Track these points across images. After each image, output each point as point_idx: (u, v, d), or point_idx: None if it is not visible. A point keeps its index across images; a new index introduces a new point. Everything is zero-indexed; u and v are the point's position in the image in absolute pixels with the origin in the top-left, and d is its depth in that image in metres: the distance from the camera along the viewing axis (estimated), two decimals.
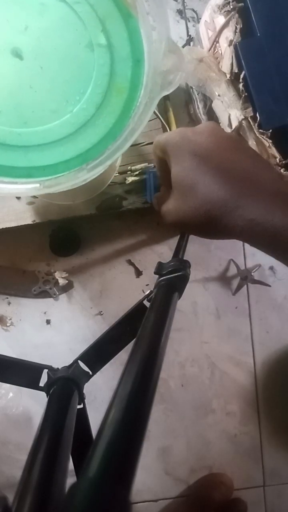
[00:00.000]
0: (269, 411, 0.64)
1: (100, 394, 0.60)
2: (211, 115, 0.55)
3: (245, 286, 0.63)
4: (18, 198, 0.54)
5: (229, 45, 0.47)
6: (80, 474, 0.19)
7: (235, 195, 0.30)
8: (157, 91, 0.35)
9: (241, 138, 0.49)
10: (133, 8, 0.35)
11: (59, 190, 0.36)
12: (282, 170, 0.48)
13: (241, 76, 0.47)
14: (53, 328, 0.62)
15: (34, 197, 0.54)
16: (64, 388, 0.41)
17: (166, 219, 0.36)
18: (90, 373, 0.44)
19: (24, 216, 0.54)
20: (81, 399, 0.41)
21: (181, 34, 0.62)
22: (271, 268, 0.64)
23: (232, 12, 0.46)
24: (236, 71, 0.47)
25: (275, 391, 0.64)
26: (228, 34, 0.47)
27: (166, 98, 0.56)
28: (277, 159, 0.47)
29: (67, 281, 0.61)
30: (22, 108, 0.35)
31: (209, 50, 0.51)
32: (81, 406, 0.42)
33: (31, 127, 0.36)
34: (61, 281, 0.60)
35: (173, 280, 0.40)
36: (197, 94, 0.55)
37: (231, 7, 0.46)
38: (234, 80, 0.48)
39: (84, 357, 0.44)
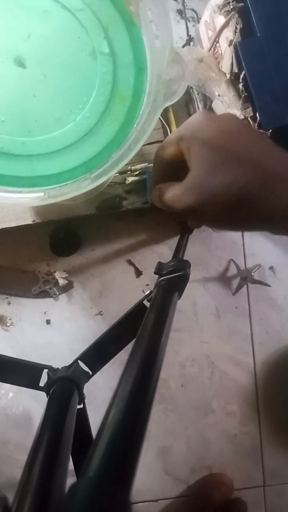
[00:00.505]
0: (269, 411, 0.64)
1: (100, 394, 0.60)
2: None
3: (245, 286, 0.63)
4: None
5: (229, 45, 0.47)
6: (80, 474, 0.19)
7: (271, 174, 0.27)
8: (160, 101, 0.35)
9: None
10: (136, 16, 0.35)
11: (64, 199, 0.36)
12: None
13: (241, 76, 0.47)
14: (53, 328, 0.62)
15: None
16: (64, 388, 0.41)
17: (178, 205, 0.32)
18: (90, 373, 0.44)
19: (24, 216, 0.54)
20: (81, 399, 0.42)
21: (181, 34, 0.62)
22: (271, 268, 0.64)
23: (232, 12, 0.46)
24: (236, 71, 0.47)
25: (275, 391, 0.64)
26: (228, 34, 0.47)
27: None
28: None
29: (67, 281, 0.61)
30: (26, 117, 0.35)
31: (209, 50, 0.51)
32: (81, 406, 0.42)
33: (34, 136, 0.36)
34: (61, 281, 0.60)
35: (173, 280, 0.40)
36: (197, 94, 0.55)
37: (231, 7, 0.46)
38: (234, 80, 0.48)
39: (84, 357, 0.44)
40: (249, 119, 0.48)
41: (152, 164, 0.53)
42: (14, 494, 0.27)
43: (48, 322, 0.62)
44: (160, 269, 0.42)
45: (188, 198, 0.31)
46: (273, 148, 0.31)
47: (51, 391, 0.41)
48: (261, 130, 0.47)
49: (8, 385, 0.61)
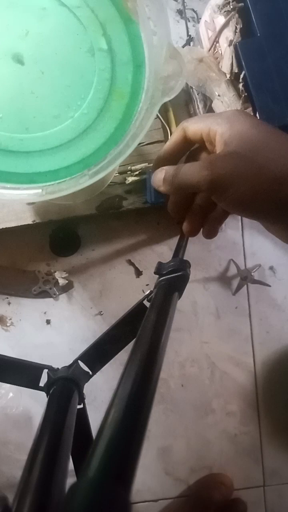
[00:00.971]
0: (269, 411, 0.64)
1: (100, 394, 0.60)
2: None
3: (245, 286, 0.63)
4: None
5: (229, 45, 0.47)
6: (80, 474, 0.19)
7: None
8: (158, 97, 0.35)
9: None
10: (134, 12, 0.35)
11: (61, 196, 0.36)
12: None
13: (241, 76, 0.47)
14: (53, 328, 0.62)
15: None
16: (64, 388, 0.41)
17: (199, 177, 0.31)
18: (90, 373, 0.44)
19: (24, 216, 0.54)
20: (81, 399, 0.41)
21: (181, 34, 0.62)
22: (271, 268, 0.64)
23: (232, 12, 0.46)
24: (236, 71, 0.47)
25: (275, 391, 0.64)
26: (228, 34, 0.47)
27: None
28: None
29: (67, 281, 0.61)
30: (24, 114, 0.35)
31: (209, 50, 0.51)
32: (81, 406, 0.42)
33: (32, 133, 0.36)
34: (61, 281, 0.60)
35: (173, 280, 0.40)
36: (197, 94, 0.55)
37: (231, 7, 0.46)
38: (234, 80, 0.48)
39: (84, 357, 0.44)
40: None
41: (152, 164, 0.53)
42: (14, 494, 0.27)
43: (48, 322, 0.62)
44: (160, 269, 0.42)
45: (217, 167, 0.30)
46: None
47: (51, 391, 0.41)
48: None
49: (8, 385, 0.61)
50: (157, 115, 0.53)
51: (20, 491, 0.27)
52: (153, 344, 0.29)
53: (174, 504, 0.63)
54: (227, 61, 0.48)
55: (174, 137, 0.37)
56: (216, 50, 0.50)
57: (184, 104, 0.60)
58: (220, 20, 0.47)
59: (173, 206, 0.40)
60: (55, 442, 0.32)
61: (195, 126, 0.34)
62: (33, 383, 0.43)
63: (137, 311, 0.43)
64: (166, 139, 0.55)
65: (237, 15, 0.46)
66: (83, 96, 0.36)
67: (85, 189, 0.36)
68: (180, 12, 0.63)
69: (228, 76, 0.48)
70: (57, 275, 0.60)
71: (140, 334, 0.31)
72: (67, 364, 0.44)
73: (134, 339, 0.32)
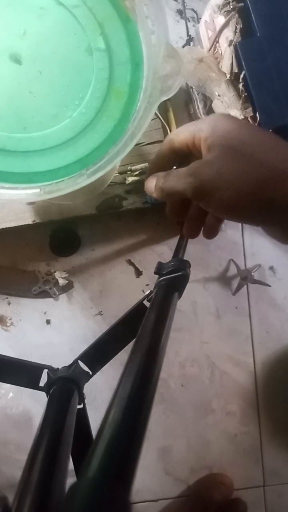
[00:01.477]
0: (269, 411, 0.64)
1: (100, 394, 0.60)
2: None
3: (245, 286, 0.63)
4: None
5: (229, 45, 0.47)
6: (80, 474, 0.19)
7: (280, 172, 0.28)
8: (157, 96, 0.35)
9: None
10: (132, 11, 0.35)
11: (60, 195, 0.36)
12: None
13: (241, 76, 0.47)
14: (53, 328, 0.62)
15: None
16: (64, 388, 0.41)
17: (185, 183, 0.31)
18: (90, 373, 0.44)
19: (24, 216, 0.54)
20: (81, 399, 0.42)
21: (181, 34, 0.62)
22: (271, 268, 0.64)
23: (232, 12, 0.46)
24: (236, 71, 0.47)
25: (275, 391, 0.64)
26: (228, 34, 0.47)
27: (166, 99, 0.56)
28: None
29: (67, 281, 0.61)
30: (22, 113, 0.35)
31: (209, 50, 0.51)
32: (81, 406, 0.42)
33: (30, 132, 0.36)
34: (61, 281, 0.60)
35: (173, 280, 0.40)
36: (197, 94, 0.55)
37: (231, 7, 0.46)
38: (234, 80, 0.48)
39: (84, 357, 0.44)
40: (249, 119, 0.48)
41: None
42: (14, 494, 0.27)
43: (48, 322, 0.62)
44: (160, 269, 0.42)
45: (201, 173, 0.30)
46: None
47: (51, 391, 0.41)
48: None
49: (8, 385, 0.61)
50: (157, 115, 0.53)
51: (20, 491, 0.27)
52: (153, 344, 0.29)
53: (174, 504, 0.63)
54: (227, 61, 0.48)
55: (162, 150, 0.37)
56: (216, 50, 0.50)
57: (184, 104, 0.60)
58: (220, 20, 0.47)
59: (170, 210, 0.40)
60: (55, 442, 0.32)
61: (180, 137, 0.34)
62: (33, 383, 0.43)
63: (137, 311, 0.43)
64: None
65: (237, 15, 0.46)
66: (81, 95, 0.36)
67: (85, 189, 0.36)
68: (180, 12, 0.63)
69: (228, 76, 0.48)
70: (57, 275, 0.60)
71: (140, 334, 0.31)
72: (67, 364, 0.44)
73: (134, 339, 0.32)
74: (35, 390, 0.43)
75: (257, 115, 0.47)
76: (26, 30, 0.34)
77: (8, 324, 0.62)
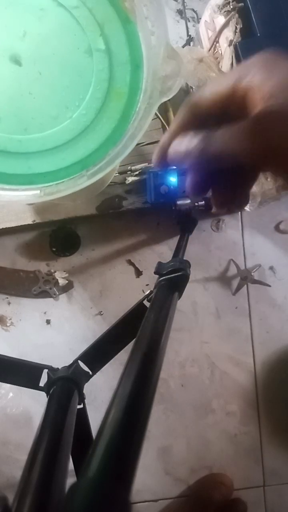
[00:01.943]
0: (269, 411, 0.64)
1: (100, 394, 0.60)
2: None
3: (245, 286, 0.63)
4: None
5: (229, 45, 0.47)
6: (80, 474, 0.19)
7: None
8: (157, 97, 0.35)
9: None
10: (132, 12, 0.35)
11: (60, 196, 0.36)
12: None
13: None
14: (53, 328, 0.62)
15: None
16: (64, 388, 0.41)
17: (249, 143, 0.23)
18: (90, 373, 0.44)
19: (24, 216, 0.54)
20: (81, 399, 0.41)
21: (181, 34, 0.62)
22: (271, 268, 0.64)
23: (232, 12, 0.46)
24: None
25: (275, 391, 0.64)
26: (228, 34, 0.47)
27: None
28: None
29: (67, 281, 0.61)
30: (22, 115, 0.35)
31: (209, 50, 0.51)
32: (81, 406, 0.41)
33: (31, 134, 0.36)
34: (61, 281, 0.60)
35: (173, 280, 0.40)
36: None
37: (231, 7, 0.46)
38: None
39: (84, 357, 0.44)
40: None
41: (152, 164, 0.53)
42: (14, 494, 0.27)
43: (48, 322, 0.62)
44: (160, 269, 0.42)
45: (268, 129, 0.23)
46: None
47: (51, 391, 0.41)
48: None
49: (8, 385, 0.61)
50: (157, 115, 0.53)
51: (20, 491, 0.27)
52: (153, 344, 0.29)
53: (174, 504, 0.63)
54: (227, 61, 0.48)
55: (178, 121, 0.28)
56: (216, 50, 0.50)
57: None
58: (220, 20, 0.47)
59: (193, 185, 0.30)
60: (55, 442, 0.32)
61: (212, 91, 0.26)
62: (33, 383, 0.43)
63: (137, 311, 0.43)
64: None
65: (237, 15, 0.46)
66: (81, 96, 0.36)
67: (84, 189, 0.36)
68: (180, 12, 0.63)
69: None
70: (57, 275, 0.60)
71: (140, 334, 0.31)
72: (67, 364, 0.44)
73: (134, 339, 0.32)
74: (35, 390, 0.43)
75: None
76: (26, 31, 0.34)
77: (8, 324, 0.62)
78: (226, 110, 0.26)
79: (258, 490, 0.64)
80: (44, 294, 0.61)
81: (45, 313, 0.62)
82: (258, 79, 0.24)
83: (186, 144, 0.26)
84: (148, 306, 0.39)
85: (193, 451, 0.63)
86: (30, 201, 0.45)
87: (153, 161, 0.29)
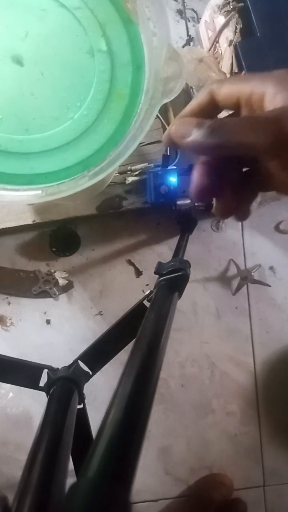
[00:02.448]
0: (269, 411, 0.64)
1: (100, 394, 0.60)
2: None
3: (245, 286, 0.63)
4: None
5: (229, 45, 0.47)
6: (80, 474, 0.19)
7: None
8: (158, 98, 0.35)
9: None
10: (134, 13, 0.35)
11: (61, 197, 0.36)
12: None
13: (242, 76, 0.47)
14: (53, 328, 0.62)
15: None
16: (64, 388, 0.41)
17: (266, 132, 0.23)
18: (90, 373, 0.44)
19: (24, 216, 0.54)
20: (81, 399, 0.41)
21: (181, 34, 0.62)
22: (271, 268, 0.64)
23: (232, 12, 0.46)
24: (236, 71, 0.47)
25: (275, 391, 0.64)
26: (228, 34, 0.47)
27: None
28: None
29: (67, 281, 0.61)
30: (23, 115, 0.35)
31: (209, 50, 0.51)
32: (81, 406, 0.41)
33: (32, 134, 0.36)
34: (61, 281, 0.60)
35: (173, 280, 0.40)
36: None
37: (231, 7, 0.46)
38: None
39: (84, 357, 0.44)
40: None
41: (152, 164, 0.53)
42: (14, 494, 0.27)
43: (48, 322, 0.62)
44: (160, 269, 0.42)
45: None
46: None
47: (51, 391, 0.41)
48: None
49: (8, 385, 0.61)
50: (157, 115, 0.53)
51: (20, 491, 0.27)
52: (153, 344, 0.29)
53: (174, 504, 0.63)
54: (227, 61, 0.48)
55: (199, 99, 0.28)
56: (216, 50, 0.50)
57: (184, 104, 0.60)
58: (220, 20, 0.47)
59: (199, 190, 0.29)
60: (55, 442, 0.32)
61: (231, 88, 0.27)
62: (33, 383, 0.43)
63: (137, 311, 0.43)
64: None
65: (237, 15, 0.46)
66: (82, 97, 0.36)
67: (85, 189, 0.36)
68: (180, 12, 0.63)
69: (228, 76, 0.48)
70: (57, 275, 0.60)
71: (140, 334, 0.31)
72: (67, 364, 0.44)
73: (134, 339, 0.32)
74: (35, 390, 0.43)
75: None
76: (28, 32, 0.34)
77: (8, 324, 0.62)
78: (239, 108, 0.27)
79: (258, 490, 0.64)
80: (44, 294, 0.61)
81: (45, 313, 0.62)
82: (272, 90, 0.24)
83: (197, 122, 0.25)
84: (148, 306, 0.39)
85: (193, 451, 0.63)
86: (32, 201, 0.45)
87: (163, 140, 0.28)
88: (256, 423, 0.64)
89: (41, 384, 0.43)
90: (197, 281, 0.63)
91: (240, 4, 0.46)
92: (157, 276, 0.43)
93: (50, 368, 0.43)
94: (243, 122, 0.24)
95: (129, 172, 0.54)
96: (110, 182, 0.53)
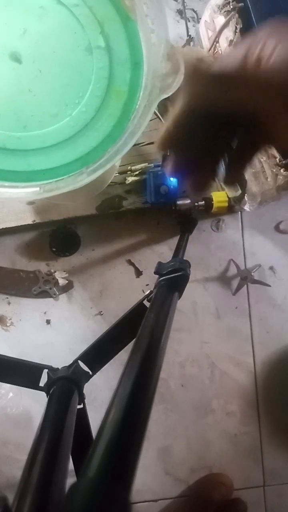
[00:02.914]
0: (269, 411, 0.64)
1: (100, 394, 0.60)
2: None
3: (245, 286, 0.63)
4: None
5: (229, 45, 0.47)
6: (80, 474, 0.19)
7: None
8: (156, 94, 0.35)
9: None
10: (132, 11, 0.35)
11: (60, 194, 0.36)
12: (282, 170, 0.48)
13: None
14: (53, 328, 0.62)
15: None
16: (64, 388, 0.41)
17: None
18: (90, 373, 0.44)
19: (24, 216, 0.54)
20: (81, 399, 0.41)
21: (181, 34, 0.62)
22: (271, 268, 0.64)
23: (232, 12, 0.46)
24: None
25: (275, 391, 0.64)
26: (228, 34, 0.47)
27: (166, 98, 0.56)
28: (277, 159, 0.47)
29: (67, 281, 0.61)
30: (22, 112, 0.35)
31: (209, 50, 0.51)
32: (81, 406, 0.42)
33: (30, 131, 0.36)
34: (61, 281, 0.60)
35: (173, 280, 0.40)
36: None
37: (231, 7, 0.46)
38: None
39: (84, 357, 0.44)
40: None
41: (152, 164, 0.53)
42: (14, 494, 0.27)
43: (48, 322, 0.62)
44: (160, 269, 0.42)
45: None
46: None
47: (51, 391, 0.41)
48: None
49: (8, 385, 0.61)
50: (156, 115, 0.53)
51: (20, 491, 0.27)
52: (153, 344, 0.29)
53: (174, 504, 0.63)
54: None
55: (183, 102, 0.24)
56: (216, 50, 0.50)
57: None
58: (220, 20, 0.47)
59: (173, 165, 0.26)
60: (55, 442, 0.32)
61: (221, 66, 0.24)
62: (33, 383, 0.43)
63: (137, 311, 0.43)
64: None
65: (237, 15, 0.46)
66: (81, 94, 0.36)
67: (85, 188, 0.36)
68: (180, 12, 0.63)
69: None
70: (57, 275, 0.60)
71: (140, 334, 0.31)
72: (67, 364, 0.44)
73: (134, 339, 0.32)
74: (35, 390, 0.43)
75: None
76: (26, 29, 0.34)
77: (8, 324, 0.62)
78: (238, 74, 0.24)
79: (258, 490, 0.64)
80: (44, 294, 0.61)
81: (45, 313, 0.62)
82: (270, 48, 0.22)
83: (200, 52, 0.22)
84: (148, 306, 0.39)
85: (193, 451, 0.63)
86: (30, 198, 0.45)
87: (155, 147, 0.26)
88: (256, 423, 0.64)
89: (41, 384, 0.43)
90: (197, 281, 0.63)
91: (240, 4, 0.46)
92: (157, 276, 0.43)
93: (50, 368, 0.43)
94: (250, 79, 0.22)
95: (129, 172, 0.54)
96: (110, 182, 0.53)
